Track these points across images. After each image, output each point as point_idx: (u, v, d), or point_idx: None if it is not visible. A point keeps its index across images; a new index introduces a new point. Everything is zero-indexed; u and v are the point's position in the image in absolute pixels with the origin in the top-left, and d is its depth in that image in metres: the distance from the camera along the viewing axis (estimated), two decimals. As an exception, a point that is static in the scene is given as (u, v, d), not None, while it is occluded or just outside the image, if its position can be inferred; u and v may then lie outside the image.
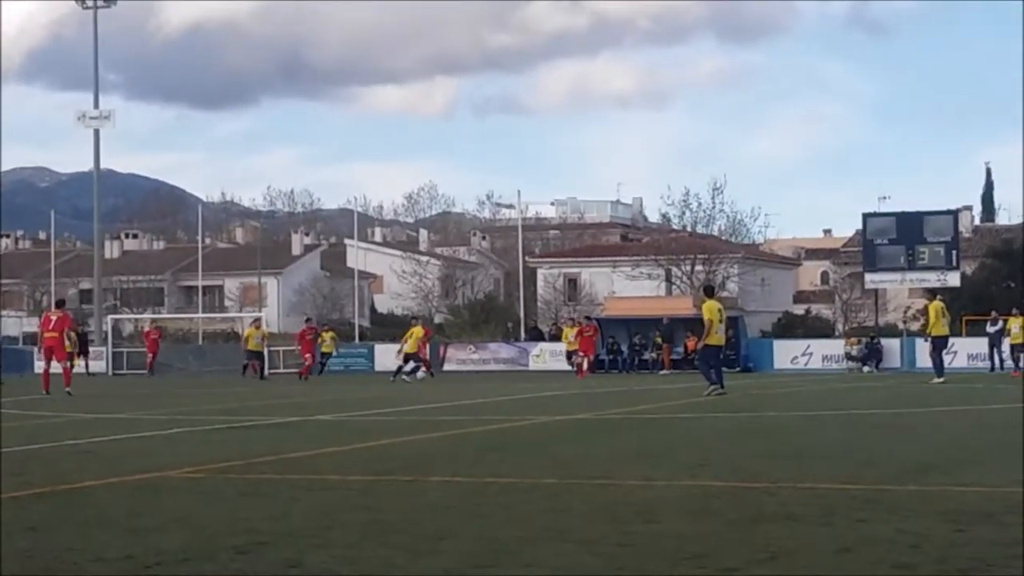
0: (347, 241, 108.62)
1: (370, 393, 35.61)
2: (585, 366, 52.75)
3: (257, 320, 58.44)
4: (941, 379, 36.83)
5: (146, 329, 64.70)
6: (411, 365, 46.69)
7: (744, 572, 7.30)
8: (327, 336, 59.33)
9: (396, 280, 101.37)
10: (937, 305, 39.47)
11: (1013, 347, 48.49)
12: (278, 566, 7.68)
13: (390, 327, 78.31)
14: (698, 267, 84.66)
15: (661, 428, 20.67)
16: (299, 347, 55.09)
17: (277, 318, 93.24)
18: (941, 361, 38.33)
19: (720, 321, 29.67)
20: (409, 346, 47.54)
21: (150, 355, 62.75)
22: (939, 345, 38.56)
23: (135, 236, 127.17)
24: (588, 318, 58.08)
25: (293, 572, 7.50)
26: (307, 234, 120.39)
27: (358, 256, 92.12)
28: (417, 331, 48.74)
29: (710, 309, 29.65)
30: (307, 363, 52.96)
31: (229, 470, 13.69)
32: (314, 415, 24.38)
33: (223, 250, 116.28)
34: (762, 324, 76.18)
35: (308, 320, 61.30)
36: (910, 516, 9.54)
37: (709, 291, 32.41)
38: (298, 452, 15.99)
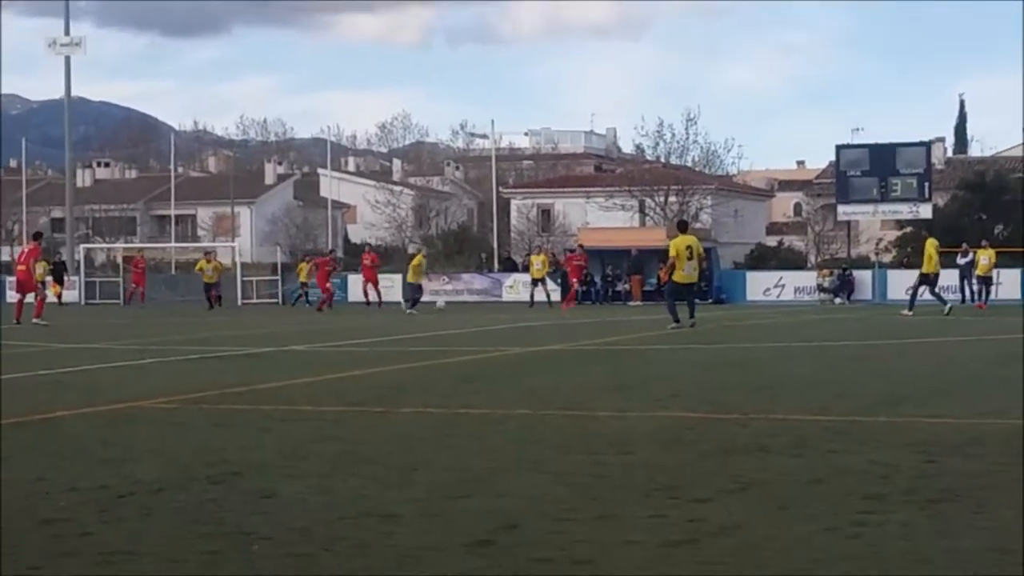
0: (320, 171, 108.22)
1: (343, 324, 35.61)
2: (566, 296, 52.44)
3: (208, 253, 58.12)
4: (909, 312, 36.73)
5: (135, 258, 63.27)
6: (411, 296, 45.56)
7: (716, 503, 7.35)
8: (305, 266, 58.91)
9: (370, 210, 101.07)
10: (935, 242, 39.15)
11: (980, 279, 48.41)
12: (251, 496, 7.70)
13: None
14: (671, 198, 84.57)
15: (634, 360, 20.73)
16: (316, 278, 52.58)
17: (250, 247, 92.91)
18: (942, 297, 37.97)
19: (689, 258, 29.11)
20: (410, 275, 46.81)
21: (135, 285, 61.08)
22: (934, 281, 38.28)
23: (107, 165, 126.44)
24: (581, 246, 57.42)
25: (266, 502, 7.52)
26: (280, 163, 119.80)
27: (331, 186, 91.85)
28: (417, 259, 48.30)
29: (676, 245, 29.28)
30: (325, 296, 50.35)
31: (202, 401, 13.70)
32: (287, 346, 24.39)
33: (195, 179, 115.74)
34: (735, 256, 76.25)
35: (331, 252, 59.55)
36: (881, 447, 9.61)
37: (681, 226, 31.71)
38: (271, 383, 16.00)
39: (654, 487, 7.87)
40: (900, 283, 56.25)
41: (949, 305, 37.03)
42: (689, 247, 29.24)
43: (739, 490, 7.77)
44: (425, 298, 47.55)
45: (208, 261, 55.50)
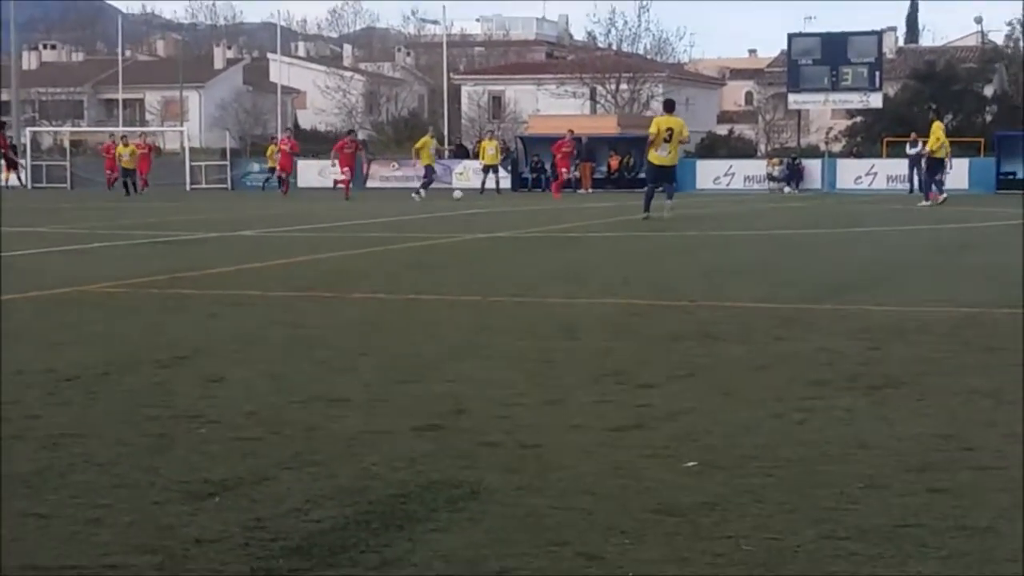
0: (270, 56, 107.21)
1: (293, 209, 35.49)
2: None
3: (124, 137, 57.13)
4: (943, 198, 36.19)
5: (105, 143, 61.70)
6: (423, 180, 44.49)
7: (662, 388, 7.40)
8: (273, 148, 58.13)
9: (320, 96, 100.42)
10: (941, 125, 38.18)
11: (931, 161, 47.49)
12: (199, 381, 7.70)
13: (313, 143, 77.65)
14: (623, 86, 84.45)
15: (583, 247, 20.77)
16: (336, 161, 48.31)
17: (199, 132, 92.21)
18: (933, 183, 37.46)
19: (667, 140, 27.79)
20: (424, 158, 45.47)
21: (110, 171, 57.95)
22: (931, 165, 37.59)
23: (53, 47, 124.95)
24: (571, 131, 56.48)
25: (214, 386, 7.53)
26: (229, 48, 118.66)
27: (281, 71, 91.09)
28: (427, 140, 46.87)
29: (656, 123, 28.20)
30: (346, 178, 47.60)
31: (151, 285, 13.66)
32: (236, 231, 24.30)
33: (144, 63, 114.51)
34: (685, 144, 76.25)
35: (350, 132, 55.76)
36: (826, 334, 9.68)
37: (667, 106, 29.69)
38: (220, 268, 15.97)
39: (601, 373, 7.91)
40: (849, 172, 56.53)
41: (945, 195, 36.64)
42: (670, 129, 28.03)
43: (686, 376, 7.83)
44: (430, 188, 45.50)
45: (125, 146, 54.27)
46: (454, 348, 9.11)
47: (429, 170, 45.24)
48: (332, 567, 4.19)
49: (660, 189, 28.76)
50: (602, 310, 11.50)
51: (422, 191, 43.35)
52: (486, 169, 52.47)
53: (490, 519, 4.74)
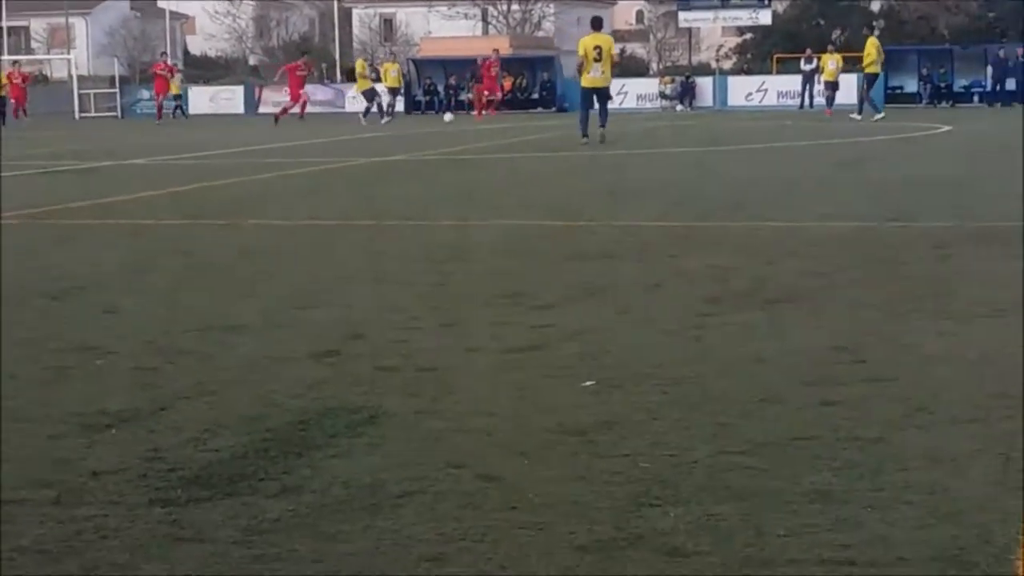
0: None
1: (184, 137, 35.13)
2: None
3: None
4: (880, 115, 35.83)
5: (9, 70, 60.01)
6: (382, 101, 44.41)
7: (560, 309, 7.43)
8: (173, 75, 57.02)
9: (209, 21, 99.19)
10: (876, 42, 38.04)
11: (827, 84, 48.16)
12: (94, 311, 7.64)
13: (204, 69, 76.91)
14: (514, 7, 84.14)
15: (478, 169, 20.75)
16: (286, 85, 47.10)
17: (87, 60, 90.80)
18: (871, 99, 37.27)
19: (597, 60, 25.75)
20: (392, 80, 45.65)
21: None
22: (872, 81, 37.31)
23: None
24: (496, 51, 55.25)
25: (110, 317, 7.47)
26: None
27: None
28: (389, 66, 47.21)
29: (583, 44, 26.16)
30: (303, 100, 45.86)
31: (42, 216, 13.49)
32: (128, 159, 24.03)
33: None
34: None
35: (305, 53, 53.99)
36: (721, 251, 9.76)
37: (594, 23, 27.56)
38: (112, 197, 15.80)
39: (498, 295, 7.93)
40: (740, 89, 56.80)
41: (882, 114, 36.30)
42: (598, 47, 26.06)
43: (583, 296, 7.86)
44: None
45: None
46: (350, 273, 9.10)
47: (371, 94, 44.76)
48: (231, 496, 4.19)
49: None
50: (498, 232, 11.51)
51: (362, 118, 43.29)
52: (392, 92, 51.36)
53: (389, 443, 4.75)
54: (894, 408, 5.10)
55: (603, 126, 26.15)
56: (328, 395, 5.48)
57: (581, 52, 26.08)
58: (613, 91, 58.37)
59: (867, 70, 37.17)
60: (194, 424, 5.05)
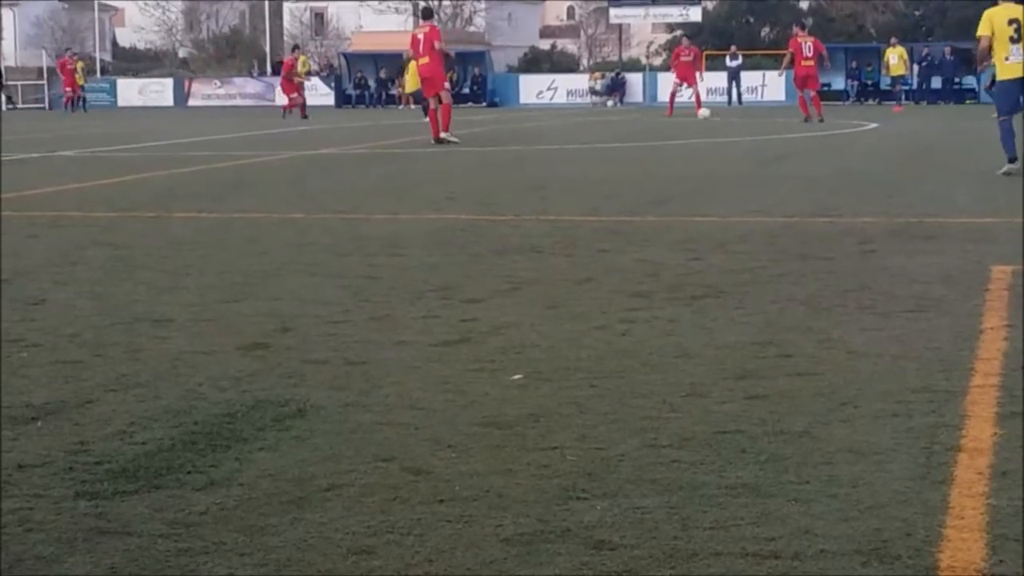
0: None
1: (113, 128, 34.88)
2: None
3: None
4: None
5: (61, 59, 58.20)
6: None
7: (488, 303, 7.45)
8: (79, 66, 56.63)
9: (138, 13, 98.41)
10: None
11: (895, 79, 45.80)
12: (19, 303, 7.58)
13: (133, 61, 76.38)
14: (445, 2, 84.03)
15: (407, 163, 20.72)
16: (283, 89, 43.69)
17: (14, 51, 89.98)
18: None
19: (1016, 39, 21.24)
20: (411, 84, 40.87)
21: (69, 90, 52.91)
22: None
23: None
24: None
25: (35, 309, 7.42)
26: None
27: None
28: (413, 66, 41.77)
29: (991, 18, 20.90)
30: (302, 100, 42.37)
31: (-34, 208, 13.36)
32: (55, 151, 23.85)
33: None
34: (508, 59, 76.15)
35: (295, 48, 51.93)
36: (648, 246, 9.81)
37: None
38: (39, 189, 15.68)
39: (427, 288, 7.94)
40: (670, 85, 56.94)
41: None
42: (1015, 22, 20.54)
43: (511, 290, 7.89)
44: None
45: None
46: (278, 266, 9.07)
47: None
48: (158, 489, 4.18)
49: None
50: (427, 226, 11.51)
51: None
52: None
53: (317, 436, 4.75)
54: (819, 402, 5.14)
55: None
56: (256, 388, 5.47)
57: (987, 29, 16.91)
58: (543, 86, 58.80)
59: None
60: (121, 417, 5.03)
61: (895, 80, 45.44)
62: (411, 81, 37.01)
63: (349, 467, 4.38)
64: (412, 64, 36.96)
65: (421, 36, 24.73)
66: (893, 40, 46.60)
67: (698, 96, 38.93)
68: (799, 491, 4.08)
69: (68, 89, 51.20)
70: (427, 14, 26.55)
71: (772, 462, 4.38)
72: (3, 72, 63.68)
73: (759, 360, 5.90)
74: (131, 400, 5.31)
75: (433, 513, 3.93)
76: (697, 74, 39.80)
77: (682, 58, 39.43)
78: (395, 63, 58.03)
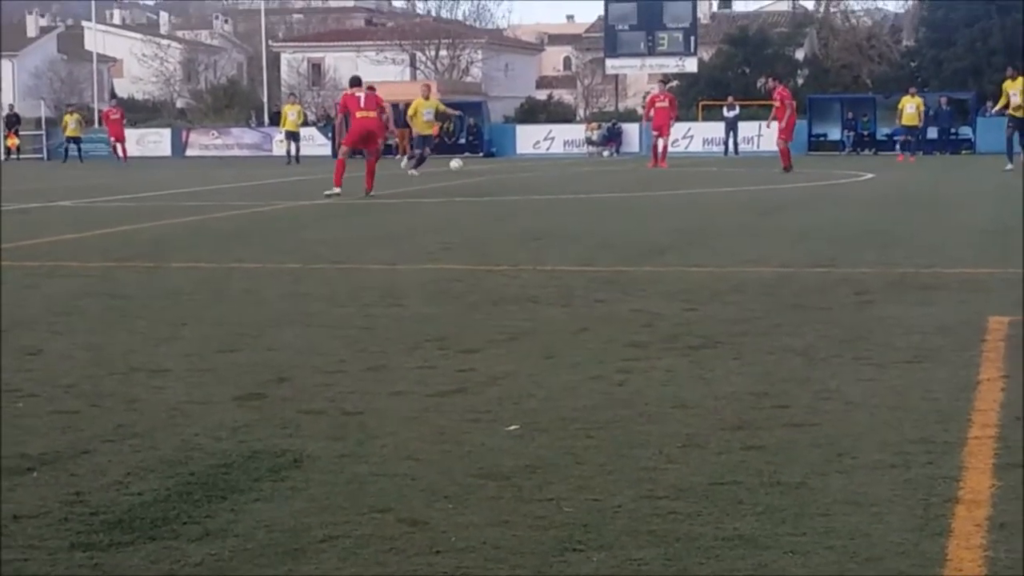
0: (84, 23, 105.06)
1: (111, 179, 34.92)
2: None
3: None
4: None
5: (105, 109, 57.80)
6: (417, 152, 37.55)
7: (484, 353, 7.45)
8: (71, 119, 56.65)
9: (137, 64, 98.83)
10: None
11: (908, 129, 44.25)
12: (16, 353, 7.58)
13: (131, 112, 76.43)
14: (442, 52, 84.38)
15: (403, 213, 20.74)
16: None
17: (14, 101, 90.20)
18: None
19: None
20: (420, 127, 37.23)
21: (114, 139, 51.72)
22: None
23: None
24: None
25: (32, 359, 7.42)
26: (42, 15, 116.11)
27: (96, 39, 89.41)
28: (420, 102, 37.73)
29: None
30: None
31: (-37, 258, 13.36)
32: (54, 201, 23.87)
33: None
34: (505, 109, 76.33)
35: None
36: (645, 296, 9.82)
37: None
38: (37, 239, 15.69)
39: (423, 338, 7.94)
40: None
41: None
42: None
43: (507, 340, 7.89)
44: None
45: None
46: (275, 316, 9.07)
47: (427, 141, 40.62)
48: (154, 540, 4.17)
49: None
50: (423, 276, 11.52)
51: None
52: (289, 136, 49.49)
53: (313, 487, 4.75)
54: (816, 453, 5.14)
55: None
56: (252, 439, 5.47)
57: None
58: (539, 136, 58.73)
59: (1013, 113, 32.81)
60: (117, 467, 5.03)
61: (908, 130, 44.66)
62: (419, 124, 37.07)
63: (345, 518, 4.37)
64: (415, 107, 36.82)
65: (361, 95, 25.63)
66: (912, 90, 46.42)
67: (665, 148, 38.92)
68: (796, 543, 4.07)
69: (112, 139, 50.91)
70: (357, 82, 26.78)
71: (769, 513, 4.37)
72: (19, 118, 63.93)
73: (756, 411, 5.90)
74: (127, 450, 5.30)
75: (429, 565, 3.92)
76: (671, 122, 39.90)
77: (657, 104, 39.52)
78: (393, 113, 58.20)
